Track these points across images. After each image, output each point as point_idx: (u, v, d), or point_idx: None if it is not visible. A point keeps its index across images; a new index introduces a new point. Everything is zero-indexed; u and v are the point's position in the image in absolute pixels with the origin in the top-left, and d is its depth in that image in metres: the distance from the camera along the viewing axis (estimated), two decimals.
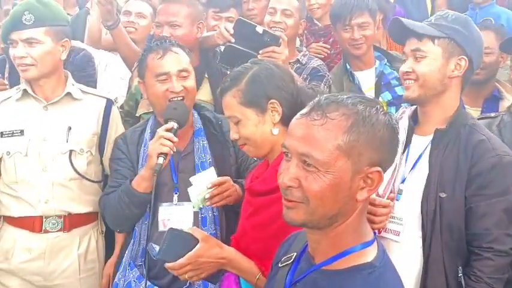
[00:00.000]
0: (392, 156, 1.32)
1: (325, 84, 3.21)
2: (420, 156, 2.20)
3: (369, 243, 1.32)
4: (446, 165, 2.14)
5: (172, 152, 2.26)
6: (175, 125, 2.28)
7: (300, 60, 3.33)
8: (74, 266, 2.60)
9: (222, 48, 2.93)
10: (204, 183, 2.22)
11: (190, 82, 2.42)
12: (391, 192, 2.19)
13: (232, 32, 2.68)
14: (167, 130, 2.26)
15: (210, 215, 2.37)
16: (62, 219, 2.56)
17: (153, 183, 2.23)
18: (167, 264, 1.83)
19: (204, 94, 2.92)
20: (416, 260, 2.17)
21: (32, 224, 2.54)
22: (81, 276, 2.62)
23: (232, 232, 2.23)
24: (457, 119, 2.19)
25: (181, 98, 2.38)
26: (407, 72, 2.19)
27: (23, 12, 2.49)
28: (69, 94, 2.60)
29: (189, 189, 2.24)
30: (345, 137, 1.24)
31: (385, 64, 3.28)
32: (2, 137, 2.56)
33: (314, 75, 3.24)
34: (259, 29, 2.72)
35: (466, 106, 3.21)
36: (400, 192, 2.20)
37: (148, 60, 2.42)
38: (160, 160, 2.21)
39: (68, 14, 3.69)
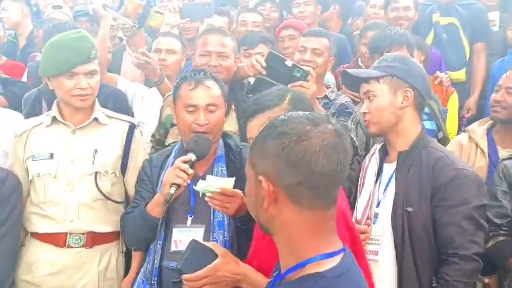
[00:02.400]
0: (286, 169, 1.27)
1: (352, 121, 3.23)
2: (389, 179, 2.42)
3: (330, 255, 1.32)
4: (411, 183, 2.35)
5: (185, 184, 2.32)
6: (194, 158, 2.36)
7: (328, 96, 3.36)
8: (94, 283, 2.68)
9: (251, 80, 3.03)
10: (217, 183, 2.25)
11: (217, 116, 2.49)
12: (367, 218, 2.40)
13: (264, 64, 2.80)
14: (185, 162, 2.34)
15: (221, 238, 2.40)
16: (85, 235, 2.66)
17: (162, 211, 2.31)
18: (184, 276, 1.88)
19: (230, 124, 2.98)
20: (392, 275, 2.33)
21: (56, 239, 2.65)
22: None
23: (243, 256, 2.22)
24: (418, 142, 2.42)
25: (205, 132, 2.45)
26: (364, 113, 2.47)
27: (92, 48, 2.66)
28: (95, 119, 2.74)
29: (200, 181, 2.28)
30: (252, 146, 1.38)
31: None
32: (33, 160, 2.69)
33: (342, 111, 3.27)
34: (289, 63, 2.82)
35: (497, 147, 3.25)
36: (376, 215, 2.42)
37: (181, 89, 2.52)
38: (172, 190, 2.29)
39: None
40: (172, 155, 2.59)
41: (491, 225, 2.59)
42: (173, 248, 2.42)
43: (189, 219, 2.44)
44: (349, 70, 2.59)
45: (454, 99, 3.94)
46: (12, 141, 2.77)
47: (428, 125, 3.30)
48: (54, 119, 2.73)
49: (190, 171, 2.33)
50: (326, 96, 3.36)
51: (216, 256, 1.90)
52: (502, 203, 2.69)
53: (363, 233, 2.32)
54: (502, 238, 2.66)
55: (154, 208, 2.40)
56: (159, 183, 2.51)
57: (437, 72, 3.98)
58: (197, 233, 2.42)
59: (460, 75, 4.55)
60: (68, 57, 2.64)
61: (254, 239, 2.11)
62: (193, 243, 1.95)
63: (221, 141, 2.59)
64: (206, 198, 2.26)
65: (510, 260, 2.66)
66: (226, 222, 2.41)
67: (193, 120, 2.47)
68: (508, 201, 2.69)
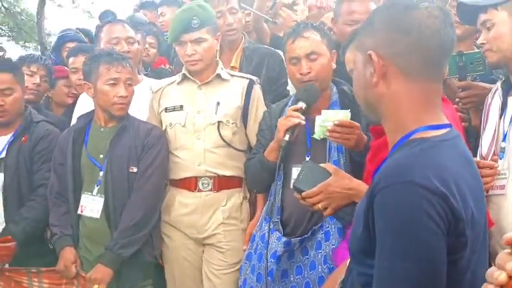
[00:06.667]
0: (397, 36, 1.30)
1: None
2: None
3: (436, 126, 1.30)
4: None
5: (302, 123, 2.43)
6: (304, 106, 2.48)
7: None
8: (220, 220, 2.92)
9: None
10: (333, 117, 2.36)
11: (320, 63, 2.58)
12: (493, 154, 2.25)
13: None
14: (295, 110, 2.47)
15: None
16: (212, 180, 2.91)
17: (278, 156, 2.45)
18: (303, 193, 2.02)
19: None
20: None
21: (188, 184, 2.93)
22: (225, 229, 2.92)
23: None
24: None
25: (309, 80, 2.55)
26: (482, 43, 2.35)
27: (192, 17, 2.90)
28: (218, 75, 2.97)
29: (317, 117, 2.41)
30: (359, 31, 1.43)
31: None
32: (166, 112, 3.00)
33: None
34: None
35: None
36: (502, 150, 2.28)
37: (286, 44, 2.66)
38: (286, 137, 2.42)
39: None
40: (289, 104, 2.69)
41: None
42: (291, 186, 2.49)
43: (307, 159, 2.56)
44: (465, 1, 2.43)
45: None
46: (149, 98, 3.12)
47: None
48: (184, 76, 3.02)
49: (302, 117, 2.43)
50: None
51: (330, 174, 2.01)
52: None
53: (490, 168, 2.24)
54: None
55: (271, 153, 2.56)
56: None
57: None
58: None
59: None
60: (173, 27, 2.97)
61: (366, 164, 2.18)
62: (308, 163, 2.10)
63: (334, 88, 2.65)
64: (326, 133, 2.37)
65: None
66: (342, 162, 2.49)
67: (297, 71, 2.58)
68: None
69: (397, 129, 1.33)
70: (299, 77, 2.59)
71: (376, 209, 1.21)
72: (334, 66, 2.66)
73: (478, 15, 2.35)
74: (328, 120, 2.36)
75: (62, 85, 3.94)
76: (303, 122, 2.44)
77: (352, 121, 2.37)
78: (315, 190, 2.01)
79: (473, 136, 2.52)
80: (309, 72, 2.57)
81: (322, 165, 2.10)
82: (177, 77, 3.09)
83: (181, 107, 2.98)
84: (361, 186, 1.99)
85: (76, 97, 3.74)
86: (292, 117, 2.45)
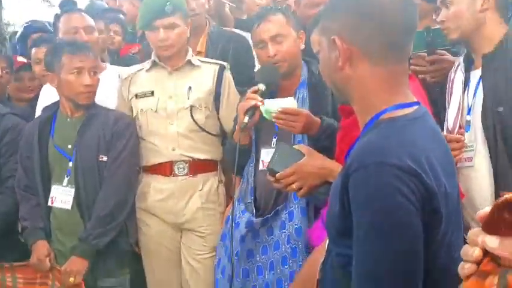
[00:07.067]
0: (359, 22, 1.30)
1: None
2: (477, 84, 2.27)
3: (404, 105, 1.30)
4: (500, 83, 2.21)
5: (257, 105, 2.42)
6: (263, 87, 2.48)
7: None
8: (198, 205, 2.92)
9: None
10: (277, 104, 2.37)
11: (286, 45, 2.58)
12: (459, 127, 2.29)
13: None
14: (254, 92, 2.48)
15: None
16: (188, 164, 2.90)
17: (243, 138, 2.49)
18: (277, 175, 2.04)
19: None
20: (487, 176, 2.24)
21: (164, 169, 2.92)
22: (204, 213, 2.93)
23: None
24: (503, 43, 2.24)
25: (276, 62, 2.56)
26: (441, 21, 2.35)
27: (165, 3, 2.85)
28: (189, 61, 2.96)
29: (261, 106, 2.41)
30: (322, 14, 1.44)
31: None
32: (136, 98, 2.97)
33: None
34: None
35: None
36: (468, 123, 2.31)
37: (252, 30, 2.68)
38: (246, 119, 2.42)
39: None
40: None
41: None
42: (261, 167, 2.58)
43: (274, 141, 2.60)
44: None
45: None
46: (117, 85, 3.07)
47: None
48: (153, 63, 2.98)
49: (259, 98, 2.44)
50: None
51: (303, 155, 2.04)
52: None
53: (457, 142, 2.26)
54: None
55: (236, 136, 2.56)
56: None
57: None
58: None
59: None
60: (144, 13, 2.92)
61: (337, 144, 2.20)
62: (281, 145, 2.12)
63: (305, 68, 2.67)
64: (273, 120, 2.38)
65: None
66: (306, 143, 2.50)
67: (265, 54, 2.59)
68: None
69: (366, 110, 1.33)
70: (266, 60, 2.60)
71: (350, 190, 1.21)
72: (302, 46, 2.67)
73: None
74: (270, 109, 2.36)
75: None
76: (259, 104, 2.44)
77: (297, 108, 2.37)
78: (288, 171, 2.03)
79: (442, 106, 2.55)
80: (275, 55, 2.58)
81: (295, 146, 2.12)
82: (146, 64, 3.05)
83: (152, 92, 2.96)
84: (335, 166, 2.01)
85: (31, 91, 3.68)
86: (250, 99, 2.46)
